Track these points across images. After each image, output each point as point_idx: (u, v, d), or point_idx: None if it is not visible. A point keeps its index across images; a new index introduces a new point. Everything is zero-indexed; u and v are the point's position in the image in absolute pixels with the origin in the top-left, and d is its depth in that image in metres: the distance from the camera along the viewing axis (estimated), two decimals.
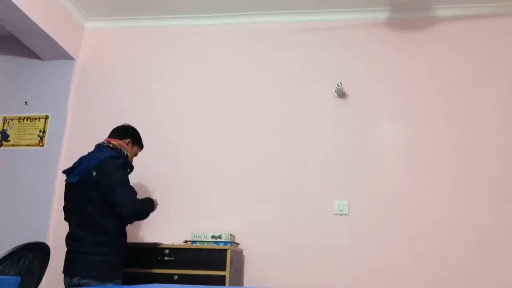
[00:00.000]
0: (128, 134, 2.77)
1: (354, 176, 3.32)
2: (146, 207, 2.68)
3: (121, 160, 2.62)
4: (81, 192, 2.50)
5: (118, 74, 3.84)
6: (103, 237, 2.46)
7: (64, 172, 2.67)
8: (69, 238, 2.54)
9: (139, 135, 2.87)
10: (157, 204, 2.82)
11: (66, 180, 2.60)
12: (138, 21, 3.97)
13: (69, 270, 2.48)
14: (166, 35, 3.92)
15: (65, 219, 2.63)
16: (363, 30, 3.68)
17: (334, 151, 3.40)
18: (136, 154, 2.88)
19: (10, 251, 2.36)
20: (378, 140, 3.40)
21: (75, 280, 2.42)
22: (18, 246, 2.47)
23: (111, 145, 2.66)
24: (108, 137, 2.77)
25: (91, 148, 2.73)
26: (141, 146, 2.89)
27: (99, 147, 2.69)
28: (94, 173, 2.47)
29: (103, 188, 2.45)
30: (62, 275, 2.54)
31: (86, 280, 2.40)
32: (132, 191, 2.57)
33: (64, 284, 2.50)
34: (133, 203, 2.52)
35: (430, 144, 3.33)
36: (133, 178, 3.49)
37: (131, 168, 2.75)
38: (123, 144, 2.70)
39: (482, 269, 3.02)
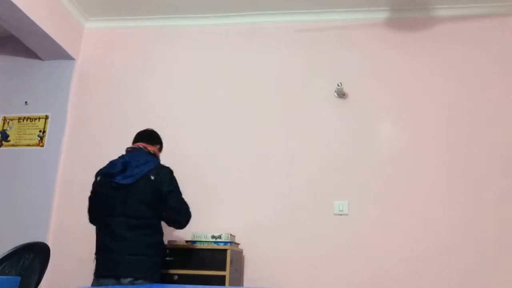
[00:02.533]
0: (158, 140, 2.83)
1: (354, 176, 3.32)
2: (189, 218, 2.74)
3: (170, 168, 2.68)
4: (134, 194, 2.49)
5: (118, 74, 3.84)
6: (154, 238, 2.52)
7: (108, 173, 2.56)
8: (111, 239, 2.46)
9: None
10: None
11: (112, 181, 2.52)
12: (138, 21, 3.97)
13: (114, 271, 2.41)
14: (166, 35, 3.92)
15: (100, 220, 2.56)
16: (363, 30, 3.68)
17: (334, 151, 3.40)
18: None
19: (10, 251, 2.36)
20: (378, 140, 3.40)
21: (127, 281, 2.39)
22: (18, 246, 2.47)
23: (150, 152, 2.68)
24: (139, 140, 2.74)
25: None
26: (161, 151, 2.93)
27: (139, 151, 2.66)
28: (152, 177, 2.52)
29: (165, 193, 2.53)
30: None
31: (140, 281, 2.40)
32: (182, 197, 2.67)
33: (103, 285, 2.41)
34: (187, 209, 2.66)
35: (430, 144, 3.33)
36: None
37: None
38: (156, 151, 2.75)
39: (482, 269, 3.02)
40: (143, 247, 2.45)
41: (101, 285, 2.41)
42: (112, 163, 2.61)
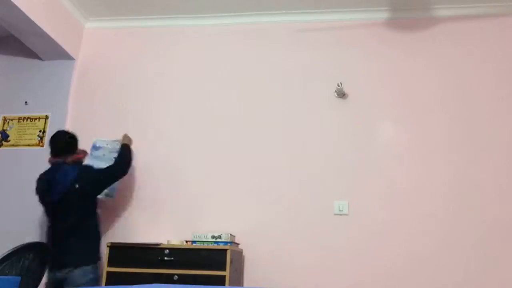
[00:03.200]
0: (75, 147, 3.07)
1: (354, 176, 3.32)
2: (128, 155, 3.22)
3: (88, 167, 3.05)
4: (64, 204, 2.88)
5: (118, 74, 3.84)
6: (84, 233, 2.90)
7: (40, 192, 2.97)
8: (55, 240, 2.89)
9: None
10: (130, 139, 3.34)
11: (45, 199, 2.96)
12: (138, 21, 3.97)
13: (58, 264, 2.79)
14: (166, 35, 3.92)
15: (47, 218, 3.06)
16: (363, 30, 3.68)
17: (334, 151, 3.40)
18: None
19: (10, 251, 2.36)
20: (378, 140, 3.40)
21: (63, 272, 2.77)
22: (18, 246, 2.48)
23: (71, 162, 2.97)
24: (58, 155, 2.98)
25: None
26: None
27: (59, 165, 2.96)
28: (77, 186, 2.85)
29: (99, 179, 2.97)
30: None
31: (74, 270, 2.77)
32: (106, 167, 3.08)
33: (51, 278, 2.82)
34: (118, 166, 3.11)
35: (430, 144, 3.33)
36: (134, 178, 3.51)
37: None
38: (80, 157, 3.05)
39: (483, 269, 3.02)
40: (79, 243, 2.84)
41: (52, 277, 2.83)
42: (40, 181, 2.97)
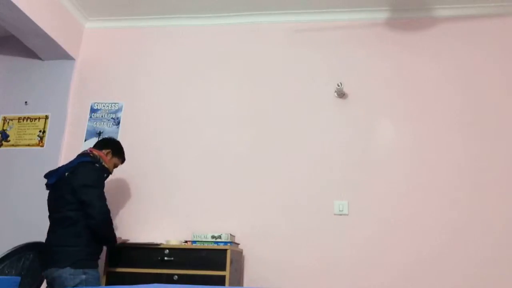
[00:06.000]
0: (108, 146, 2.96)
1: (354, 176, 3.32)
2: (112, 228, 2.79)
3: (97, 165, 2.81)
4: (56, 192, 2.71)
5: (118, 74, 3.84)
6: (77, 228, 2.60)
7: (45, 176, 2.83)
8: (47, 234, 2.70)
9: (121, 148, 3.06)
10: (120, 241, 2.96)
11: (47, 182, 2.80)
12: (138, 21, 3.97)
13: (46, 263, 2.60)
14: (166, 35, 3.92)
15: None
16: (363, 30, 3.68)
17: (334, 151, 3.40)
18: (116, 166, 3.05)
19: (10, 251, 2.37)
20: (378, 140, 3.39)
21: (52, 271, 2.52)
22: (18, 246, 2.48)
23: (91, 154, 2.84)
24: (92, 147, 2.95)
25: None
26: (122, 159, 3.07)
27: (80, 154, 2.87)
28: (66, 174, 2.69)
29: (75, 187, 2.63)
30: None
31: (59, 271, 2.50)
32: (103, 194, 2.71)
33: (45, 277, 2.64)
34: (102, 204, 2.66)
35: (430, 144, 3.33)
36: (134, 178, 3.50)
37: (108, 172, 2.92)
38: (101, 154, 2.87)
39: (484, 270, 3.02)
40: (65, 238, 2.58)
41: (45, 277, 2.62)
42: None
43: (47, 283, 2.62)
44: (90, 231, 2.63)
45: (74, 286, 2.45)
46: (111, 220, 2.73)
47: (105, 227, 2.69)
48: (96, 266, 2.66)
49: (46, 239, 2.69)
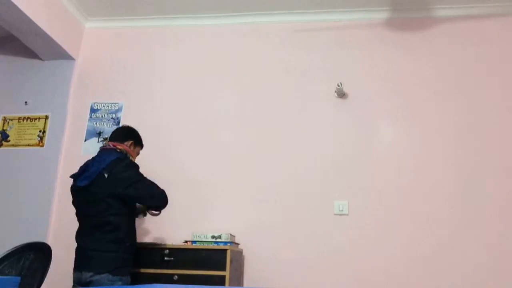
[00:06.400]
0: (129, 136, 2.83)
1: (354, 176, 3.32)
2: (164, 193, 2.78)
3: (128, 160, 2.72)
4: (92, 194, 2.57)
5: (118, 74, 3.84)
6: (115, 235, 2.54)
7: (72, 176, 2.71)
8: (81, 236, 2.61)
9: (139, 134, 2.92)
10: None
11: (75, 184, 2.65)
12: (138, 21, 3.97)
13: (81, 266, 2.54)
14: (166, 35, 3.92)
15: (78, 220, 2.69)
16: (363, 30, 3.68)
17: (334, 151, 3.40)
18: (138, 154, 2.94)
19: (10, 251, 2.36)
20: (378, 140, 3.40)
21: (88, 275, 2.48)
22: (18, 246, 2.47)
23: (117, 149, 2.72)
24: (111, 140, 2.80)
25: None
26: (141, 146, 2.95)
27: (105, 150, 2.73)
28: (106, 175, 2.56)
29: (124, 189, 2.55)
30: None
31: (97, 277, 2.47)
32: (150, 182, 2.69)
33: (74, 278, 2.57)
34: (160, 191, 2.70)
35: (430, 144, 3.33)
36: None
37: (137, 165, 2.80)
38: (126, 148, 2.76)
39: (484, 270, 3.02)
40: (104, 243, 2.52)
41: (75, 279, 2.55)
42: (81, 166, 2.73)
43: (78, 283, 2.54)
44: (130, 237, 2.61)
45: None
46: (165, 193, 2.74)
47: (165, 202, 2.75)
48: (130, 272, 2.64)
49: (80, 241, 2.58)
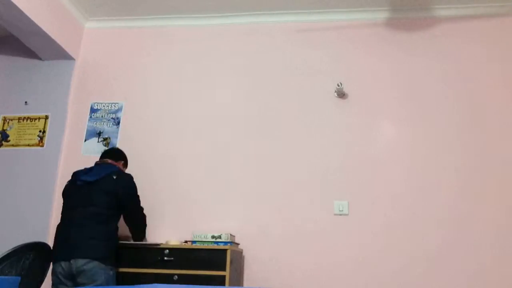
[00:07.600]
0: (121, 157, 3.12)
1: (354, 176, 3.32)
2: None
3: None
4: (96, 188, 2.75)
5: (118, 74, 3.84)
6: (108, 227, 2.71)
7: (75, 173, 2.90)
8: (69, 227, 2.68)
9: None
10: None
11: (78, 179, 2.80)
12: (138, 21, 3.97)
13: (71, 254, 2.57)
14: (166, 35, 3.92)
15: (63, 212, 2.80)
16: (363, 30, 3.68)
17: (334, 151, 3.40)
18: None
19: (10, 251, 2.36)
20: (378, 140, 3.40)
21: (81, 263, 2.54)
22: (18, 246, 2.47)
23: (118, 166, 2.96)
24: (105, 157, 3.02)
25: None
26: (126, 168, 3.22)
27: (105, 163, 2.94)
28: (114, 177, 2.81)
29: (123, 194, 2.79)
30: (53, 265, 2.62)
31: (91, 265, 2.55)
32: (142, 208, 3.04)
33: (58, 271, 2.59)
34: (143, 215, 3.05)
35: (430, 144, 3.33)
36: (134, 178, 3.50)
37: None
38: (120, 166, 3.00)
39: (484, 271, 3.02)
40: (96, 232, 2.65)
41: (54, 269, 2.61)
42: (85, 168, 2.96)
43: (64, 276, 2.57)
44: (116, 235, 2.80)
45: (101, 282, 2.55)
46: (145, 231, 3.10)
47: (143, 230, 3.09)
48: (116, 266, 2.80)
49: (70, 231, 2.64)
